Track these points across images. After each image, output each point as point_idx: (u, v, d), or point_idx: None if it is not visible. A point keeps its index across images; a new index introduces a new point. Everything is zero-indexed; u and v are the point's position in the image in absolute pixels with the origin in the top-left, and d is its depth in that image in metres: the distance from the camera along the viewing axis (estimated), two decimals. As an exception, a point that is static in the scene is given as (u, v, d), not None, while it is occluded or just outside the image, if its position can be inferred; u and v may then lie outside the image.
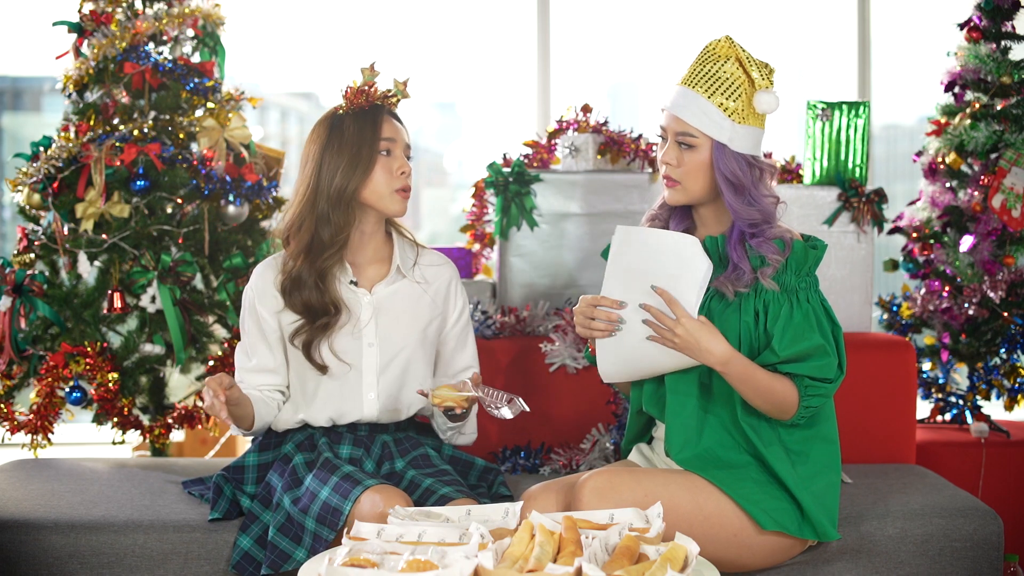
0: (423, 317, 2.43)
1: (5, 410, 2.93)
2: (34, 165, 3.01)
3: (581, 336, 2.29)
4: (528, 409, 2.15)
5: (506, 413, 2.15)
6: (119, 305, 2.97)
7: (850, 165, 3.17)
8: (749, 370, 2.09)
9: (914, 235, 3.52)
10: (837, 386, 2.15)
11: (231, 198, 3.07)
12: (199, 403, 3.05)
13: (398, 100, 2.38)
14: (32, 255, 3.05)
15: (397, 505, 2.05)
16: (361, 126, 2.31)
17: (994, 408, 3.53)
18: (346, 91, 2.34)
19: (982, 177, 3.36)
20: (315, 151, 2.32)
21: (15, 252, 3.07)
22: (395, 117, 2.37)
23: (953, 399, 3.37)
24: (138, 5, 3.19)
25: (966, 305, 3.36)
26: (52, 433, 2.96)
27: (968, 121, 3.39)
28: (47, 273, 3.03)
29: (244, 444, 3.88)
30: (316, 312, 2.32)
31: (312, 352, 2.33)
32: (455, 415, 2.26)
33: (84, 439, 4.33)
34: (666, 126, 2.20)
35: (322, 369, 2.34)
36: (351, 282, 2.38)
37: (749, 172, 2.16)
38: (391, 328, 2.39)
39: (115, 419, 3.00)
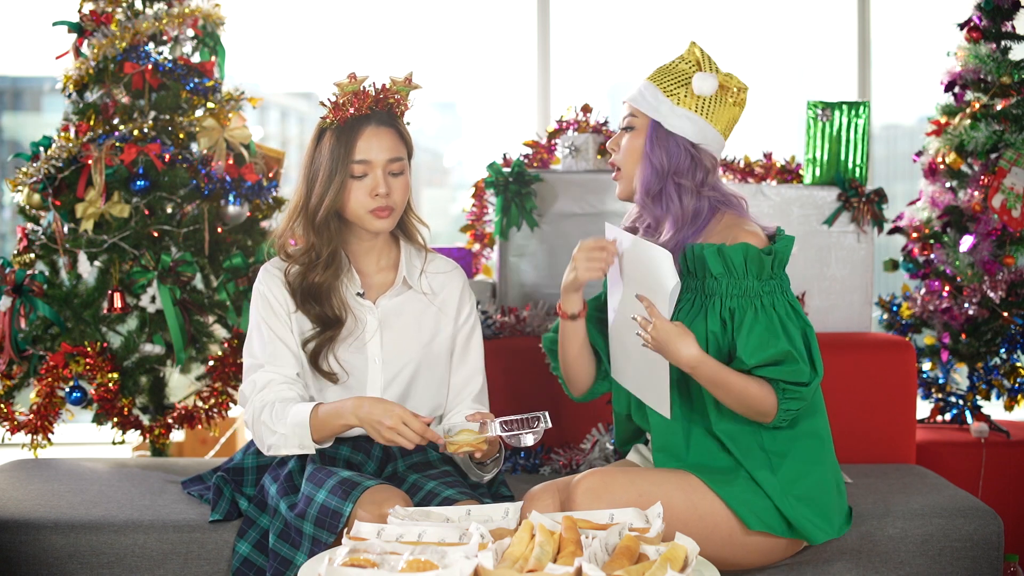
0: (428, 330, 2.37)
1: (5, 410, 2.93)
2: (34, 165, 3.01)
3: (583, 277, 2.21)
4: (550, 425, 2.09)
5: (528, 440, 2.09)
6: (119, 305, 2.97)
7: (850, 165, 3.17)
8: (721, 374, 2.07)
9: (914, 235, 3.52)
10: (814, 388, 2.12)
11: (231, 198, 3.07)
12: (199, 402, 3.05)
13: (398, 101, 2.28)
14: (32, 255, 3.05)
15: (397, 505, 2.04)
16: (336, 145, 2.22)
17: (994, 408, 3.53)
18: (331, 103, 2.24)
19: (982, 177, 3.36)
20: (304, 164, 2.29)
21: (15, 252, 3.07)
22: (389, 123, 2.26)
23: (953, 399, 3.37)
24: (138, 5, 3.19)
25: (966, 305, 3.36)
26: (52, 433, 2.96)
27: (968, 121, 3.39)
28: (47, 273, 3.03)
29: (243, 443, 3.87)
30: (325, 323, 2.28)
31: (320, 362, 2.29)
32: (479, 462, 2.23)
33: (84, 439, 4.33)
34: (622, 116, 2.27)
35: (330, 377, 2.29)
36: (358, 293, 2.33)
37: (684, 158, 2.17)
38: (395, 343, 2.34)
39: (115, 419, 3.00)
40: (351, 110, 2.23)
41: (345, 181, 2.22)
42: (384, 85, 2.27)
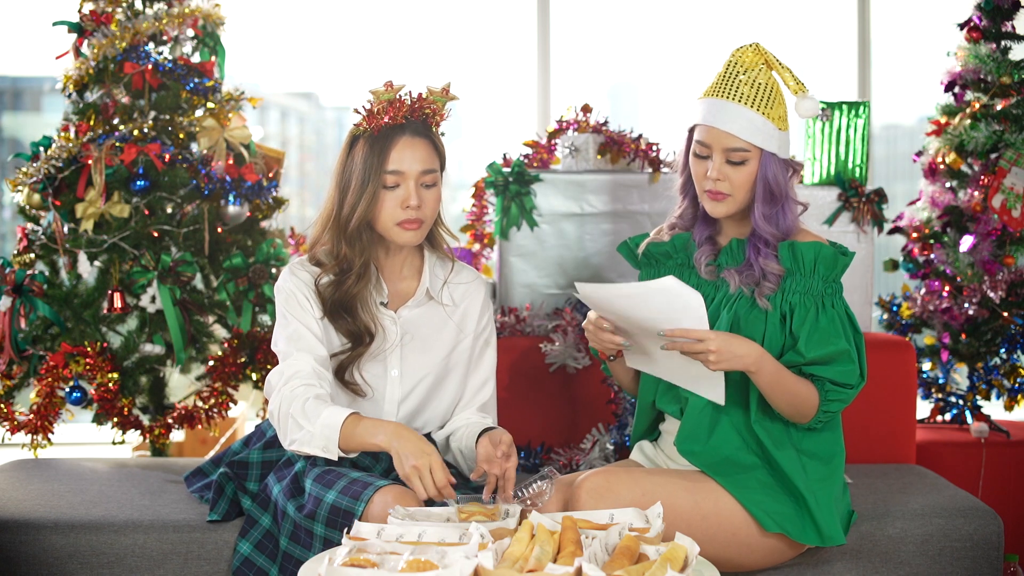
0: (447, 343, 2.34)
1: (5, 410, 2.93)
2: (34, 165, 3.01)
3: (602, 353, 2.22)
4: (559, 476, 2.09)
5: (540, 501, 2.06)
6: (119, 305, 2.97)
7: (850, 165, 3.17)
8: (779, 371, 2.09)
9: (914, 235, 3.52)
10: (857, 392, 2.15)
11: (231, 198, 3.07)
12: (199, 402, 3.05)
13: (434, 111, 2.22)
14: (32, 255, 3.05)
15: (397, 505, 2.04)
16: (369, 154, 2.17)
17: (994, 408, 3.53)
18: (365, 111, 2.19)
19: (982, 177, 3.36)
20: (336, 171, 2.24)
21: (15, 252, 3.07)
22: (423, 134, 2.21)
23: (953, 399, 3.37)
24: (138, 5, 3.20)
25: (966, 305, 3.36)
26: (52, 433, 2.96)
27: (968, 121, 3.39)
28: (47, 273, 3.03)
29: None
30: (356, 338, 2.25)
31: (345, 375, 2.26)
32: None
33: (84, 439, 4.33)
34: (710, 142, 2.17)
35: (355, 389, 2.26)
36: (381, 303, 2.29)
37: (788, 174, 2.19)
38: (415, 355, 2.31)
39: (115, 419, 3.00)
40: (385, 119, 2.18)
41: (377, 191, 2.19)
42: (420, 94, 2.22)
